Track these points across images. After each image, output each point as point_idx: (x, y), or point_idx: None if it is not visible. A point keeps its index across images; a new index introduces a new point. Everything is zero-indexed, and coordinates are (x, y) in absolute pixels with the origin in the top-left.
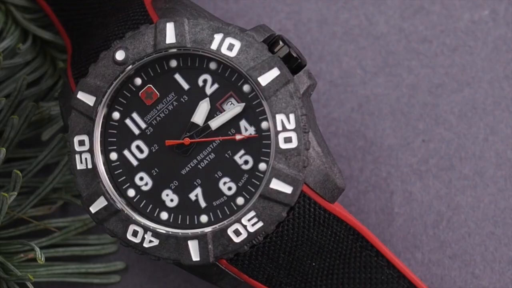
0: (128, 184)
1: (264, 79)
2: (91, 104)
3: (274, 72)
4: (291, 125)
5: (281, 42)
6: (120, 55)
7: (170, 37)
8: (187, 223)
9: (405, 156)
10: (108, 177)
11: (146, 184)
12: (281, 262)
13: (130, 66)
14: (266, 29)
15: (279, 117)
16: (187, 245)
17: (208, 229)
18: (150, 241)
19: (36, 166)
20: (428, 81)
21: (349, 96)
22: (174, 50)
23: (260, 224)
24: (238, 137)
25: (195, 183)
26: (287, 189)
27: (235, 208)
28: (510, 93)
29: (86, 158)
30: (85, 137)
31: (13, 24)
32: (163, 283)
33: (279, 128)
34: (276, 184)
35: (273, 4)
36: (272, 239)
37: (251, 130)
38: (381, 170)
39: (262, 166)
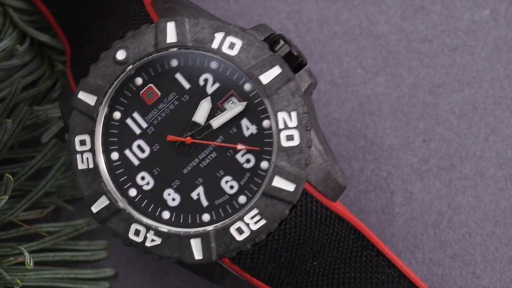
0: (130, 183)
1: (266, 77)
2: (92, 103)
3: (276, 70)
4: (293, 123)
5: (281, 41)
6: (121, 55)
7: (171, 36)
8: (189, 222)
9: (405, 156)
10: (109, 177)
11: (148, 183)
12: (283, 261)
13: (130, 66)
14: (267, 28)
15: (281, 115)
16: (190, 243)
17: (210, 227)
18: (153, 240)
19: (29, 170)
20: (428, 81)
21: (350, 95)
22: (175, 49)
23: (263, 222)
24: (239, 147)
25: (196, 182)
26: (289, 186)
27: (237, 207)
28: (510, 93)
29: (87, 158)
30: (86, 137)
31: (11, 25)
32: None
33: (281, 126)
34: (279, 182)
35: (273, 4)
36: (275, 237)
37: (252, 129)
38: (381, 170)
39: (264, 164)
